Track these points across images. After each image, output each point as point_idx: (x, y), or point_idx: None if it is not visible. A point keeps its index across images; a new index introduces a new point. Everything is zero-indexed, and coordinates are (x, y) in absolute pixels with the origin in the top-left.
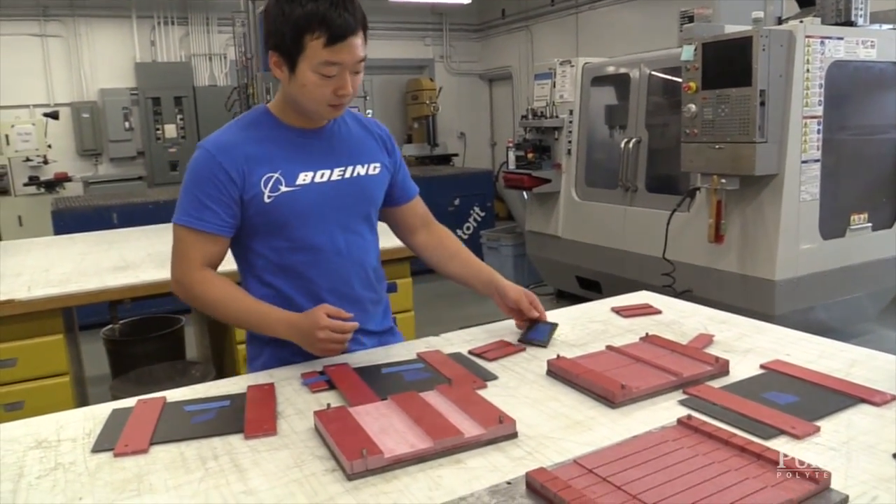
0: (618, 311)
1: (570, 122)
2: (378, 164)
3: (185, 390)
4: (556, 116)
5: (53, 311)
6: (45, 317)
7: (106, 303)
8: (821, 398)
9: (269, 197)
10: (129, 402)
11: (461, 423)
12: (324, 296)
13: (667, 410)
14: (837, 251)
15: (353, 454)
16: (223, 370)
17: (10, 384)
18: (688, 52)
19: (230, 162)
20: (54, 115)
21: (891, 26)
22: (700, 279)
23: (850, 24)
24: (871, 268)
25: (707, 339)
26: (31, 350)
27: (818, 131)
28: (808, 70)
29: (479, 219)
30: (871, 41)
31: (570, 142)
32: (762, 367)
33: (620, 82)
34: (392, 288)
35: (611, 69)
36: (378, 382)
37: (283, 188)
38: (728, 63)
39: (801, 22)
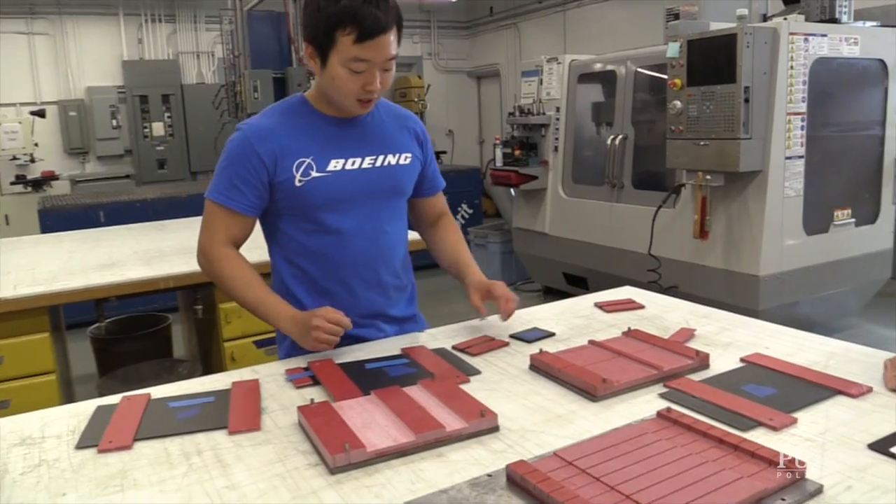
0: (601, 306)
1: (557, 119)
2: (409, 155)
3: (169, 387)
4: (543, 113)
5: (39, 309)
6: (31, 315)
7: (92, 301)
8: (799, 390)
9: (300, 181)
10: (113, 399)
11: (443, 417)
12: (348, 279)
13: (647, 403)
14: (821, 246)
15: (335, 448)
16: (210, 368)
17: None
18: (673, 49)
19: (263, 146)
20: (41, 114)
21: (874, 23)
22: (686, 275)
23: (834, 21)
24: (854, 263)
25: (688, 334)
26: (17, 348)
27: (802, 128)
28: (792, 67)
29: (466, 216)
30: (855, 38)
31: (556, 139)
32: (742, 360)
33: (607, 79)
34: None
35: (597, 66)
36: (362, 378)
37: (315, 173)
38: (713, 60)
39: (786, 19)
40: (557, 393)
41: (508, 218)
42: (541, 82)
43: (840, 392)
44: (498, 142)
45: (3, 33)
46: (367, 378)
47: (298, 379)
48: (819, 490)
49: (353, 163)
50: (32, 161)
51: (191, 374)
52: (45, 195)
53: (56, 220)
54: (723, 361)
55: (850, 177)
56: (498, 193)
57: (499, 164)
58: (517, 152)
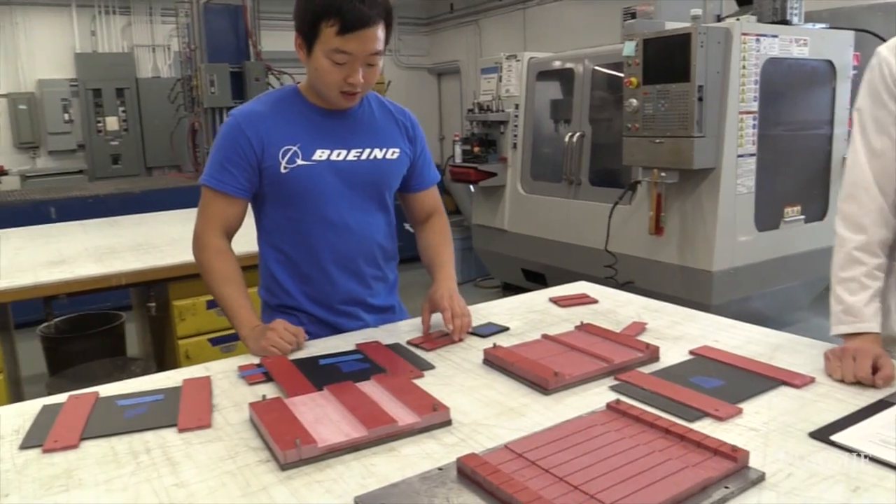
0: (555, 301)
1: (516, 116)
2: (397, 150)
3: (118, 385)
4: (502, 110)
5: None
6: None
7: (41, 299)
8: (745, 382)
9: (285, 168)
10: (60, 398)
11: (396, 411)
12: (327, 267)
13: (598, 396)
14: (772, 242)
15: (286, 444)
16: (165, 367)
17: None
18: (629, 48)
19: (252, 129)
20: None
21: (823, 25)
22: (641, 270)
23: (785, 22)
24: (804, 258)
25: (640, 327)
26: None
27: (754, 126)
28: (744, 66)
29: None
30: (805, 39)
31: (515, 136)
32: (691, 352)
33: (565, 77)
34: None
35: (556, 64)
36: (315, 373)
37: (300, 161)
38: (668, 59)
39: (739, 20)
40: (510, 387)
41: (468, 214)
42: (500, 79)
43: (784, 383)
44: (457, 138)
45: None
46: (320, 374)
47: (251, 375)
48: (761, 478)
49: (339, 154)
50: None
51: (144, 373)
52: None
53: (4, 216)
54: (673, 354)
55: (799, 174)
56: (457, 190)
57: (458, 160)
58: (476, 149)
